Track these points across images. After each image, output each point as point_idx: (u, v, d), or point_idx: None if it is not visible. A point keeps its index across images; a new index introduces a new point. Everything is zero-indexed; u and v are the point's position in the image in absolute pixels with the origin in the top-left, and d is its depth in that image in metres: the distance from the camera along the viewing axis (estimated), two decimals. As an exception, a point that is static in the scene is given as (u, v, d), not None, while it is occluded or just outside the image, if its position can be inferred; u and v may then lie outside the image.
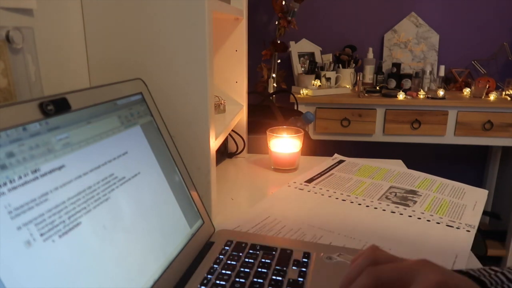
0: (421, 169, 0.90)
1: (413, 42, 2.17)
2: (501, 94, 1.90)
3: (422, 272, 0.34)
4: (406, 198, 0.76)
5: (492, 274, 0.37)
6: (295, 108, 1.61)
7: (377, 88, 2.01)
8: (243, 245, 0.53)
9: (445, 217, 0.68)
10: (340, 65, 2.07)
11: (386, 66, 2.18)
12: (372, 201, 0.74)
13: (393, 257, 0.39)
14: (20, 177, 0.31)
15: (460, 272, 0.37)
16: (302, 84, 1.96)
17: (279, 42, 2.01)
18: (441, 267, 0.35)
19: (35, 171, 0.33)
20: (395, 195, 0.77)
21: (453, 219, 0.68)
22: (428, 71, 2.03)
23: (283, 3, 1.96)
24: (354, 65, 2.09)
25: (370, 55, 2.12)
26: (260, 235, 0.61)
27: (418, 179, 0.86)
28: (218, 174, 0.73)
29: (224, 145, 1.01)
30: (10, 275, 0.28)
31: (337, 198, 0.76)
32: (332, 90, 1.95)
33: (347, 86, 2.04)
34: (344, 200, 0.75)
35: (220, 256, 0.50)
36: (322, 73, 2.00)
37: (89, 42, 0.60)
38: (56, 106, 0.36)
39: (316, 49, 2.16)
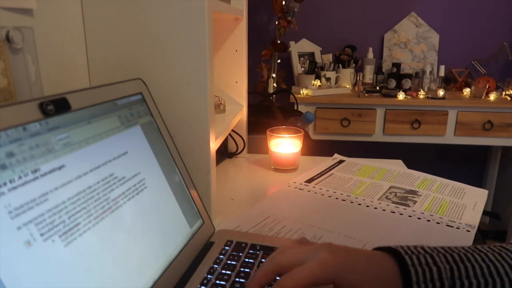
0: (421, 169, 0.90)
1: (413, 42, 2.17)
2: (501, 94, 1.90)
3: (313, 252, 0.37)
4: (406, 198, 0.76)
5: (411, 247, 0.38)
6: (295, 108, 1.62)
7: (377, 88, 2.01)
8: (243, 245, 0.53)
9: (445, 217, 0.68)
10: (340, 65, 2.07)
11: (386, 66, 2.18)
12: (372, 201, 0.74)
13: (307, 243, 0.42)
14: (20, 177, 0.31)
15: (379, 248, 0.39)
16: (302, 84, 1.96)
17: (279, 42, 2.01)
18: (340, 246, 0.38)
19: (35, 171, 0.33)
20: (395, 195, 0.77)
21: (453, 219, 0.68)
22: (428, 71, 2.03)
23: (283, 3, 1.96)
24: (354, 65, 2.09)
25: (370, 55, 2.12)
26: (260, 235, 0.61)
27: (418, 179, 0.86)
28: (218, 174, 0.73)
29: (224, 145, 1.01)
30: (10, 275, 0.28)
31: (337, 198, 0.76)
32: (332, 90, 1.95)
33: (347, 86, 2.04)
34: (344, 200, 0.75)
35: (220, 256, 0.50)
36: (322, 73, 2.00)
37: (89, 42, 0.60)
38: (56, 106, 0.36)
39: (316, 49, 2.16)
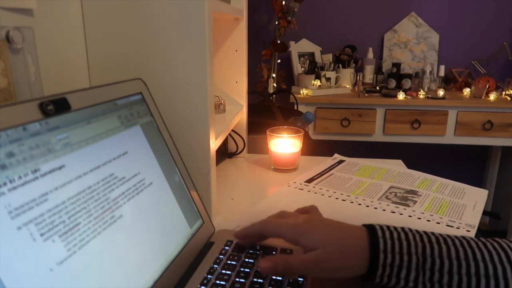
0: (421, 169, 0.90)
1: (413, 42, 2.17)
2: (501, 94, 1.90)
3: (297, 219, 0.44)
4: (406, 198, 0.76)
5: (391, 227, 0.41)
6: (295, 108, 1.62)
7: (377, 88, 2.01)
8: (243, 245, 0.53)
9: (445, 217, 0.68)
10: (340, 65, 2.07)
11: (386, 66, 2.18)
12: (372, 201, 0.74)
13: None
14: (20, 177, 0.31)
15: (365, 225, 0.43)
16: (302, 84, 1.96)
17: (279, 42, 2.01)
18: (324, 218, 0.45)
19: (35, 171, 0.33)
20: (395, 195, 0.77)
21: (453, 219, 0.68)
22: (428, 71, 2.03)
23: (283, 3, 1.96)
24: (354, 65, 2.09)
25: (370, 55, 2.13)
26: (260, 235, 0.60)
27: (418, 179, 0.86)
28: (218, 174, 0.73)
29: (224, 145, 1.01)
30: (10, 275, 0.28)
31: (337, 198, 0.76)
32: (332, 90, 1.95)
33: (347, 86, 2.04)
34: (344, 200, 0.75)
35: (220, 256, 0.50)
36: (322, 73, 2.00)
37: (89, 42, 0.60)
38: (56, 106, 0.36)
39: (316, 49, 2.16)
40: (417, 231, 0.40)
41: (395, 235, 0.38)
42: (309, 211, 0.51)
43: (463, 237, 0.39)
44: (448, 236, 0.39)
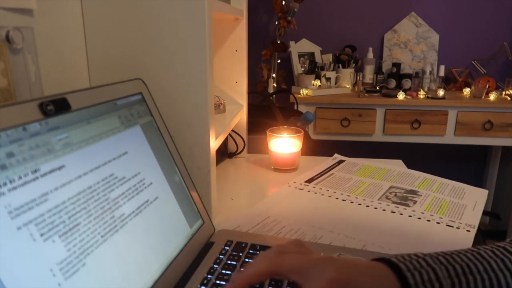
0: (421, 169, 0.90)
1: (413, 42, 2.17)
2: (501, 94, 1.90)
3: (318, 269, 0.33)
4: (406, 198, 0.76)
5: (413, 259, 0.36)
6: (295, 108, 1.61)
7: (377, 88, 2.01)
8: (243, 245, 0.53)
9: (445, 217, 0.68)
10: (340, 65, 2.07)
11: (386, 66, 2.18)
12: (372, 201, 0.74)
13: (305, 250, 0.39)
14: (20, 177, 0.31)
15: (380, 259, 0.36)
16: (302, 84, 1.96)
17: (279, 42, 2.01)
18: (343, 261, 0.35)
19: (35, 171, 0.33)
20: (395, 195, 0.77)
21: (453, 219, 0.68)
22: (428, 71, 2.03)
23: (283, 3, 1.96)
24: (354, 65, 2.09)
25: (370, 55, 2.12)
26: (260, 235, 0.61)
27: (418, 179, 0.86)
28: (218, 174, 0.73)
29: (224, 145, 1.01)
30: (10, 275, 0.28)
31: (337, 198, 0.76)
32: (332, 90, 1.95)
33: (347, 86, 2.04)
34: (344, 200, 0.75)
35: (220, 256, 0.50)
36: (322, 73, 2.00)
37: (89, 42, 0.60)
38: (56, 106, 0.36)
39: (316, 49, 2.16)
40: (439, 261, 0.37)
41: (425, 276, 0.34)
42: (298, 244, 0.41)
43: (482, 256, 0.38)
44: (469, 259, 0.38)
